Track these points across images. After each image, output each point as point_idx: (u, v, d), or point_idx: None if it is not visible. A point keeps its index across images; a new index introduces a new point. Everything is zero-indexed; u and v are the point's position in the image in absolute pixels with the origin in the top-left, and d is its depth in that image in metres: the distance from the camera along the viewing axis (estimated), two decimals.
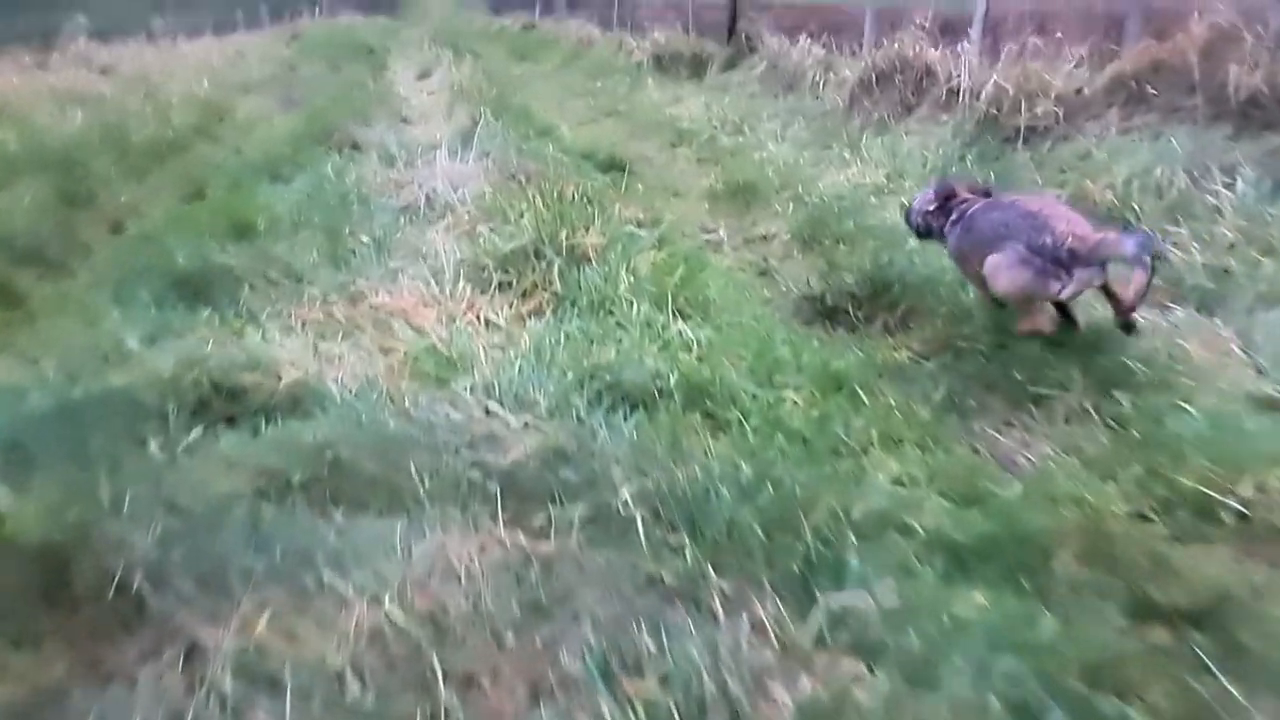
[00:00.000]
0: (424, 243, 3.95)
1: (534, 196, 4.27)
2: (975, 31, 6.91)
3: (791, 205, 5.07)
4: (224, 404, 2.61)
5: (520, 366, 2.77)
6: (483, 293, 3.39)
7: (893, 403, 2.85)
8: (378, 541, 1.96)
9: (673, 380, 2.68)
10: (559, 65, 14.90)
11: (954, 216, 3.20)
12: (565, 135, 7.41)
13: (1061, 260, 2.80)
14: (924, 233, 3.43)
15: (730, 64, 10.17)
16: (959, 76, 6.02)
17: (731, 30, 13.24)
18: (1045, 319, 3.05)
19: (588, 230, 3.73)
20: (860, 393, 2.86)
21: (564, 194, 4.42)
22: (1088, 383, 2.90)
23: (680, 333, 3.05)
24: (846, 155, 5.94)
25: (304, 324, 3.12)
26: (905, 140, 5.95)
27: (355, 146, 5.76)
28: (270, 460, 2.24)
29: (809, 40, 9.21)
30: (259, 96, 10.34)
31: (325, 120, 6.72)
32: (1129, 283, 2.77)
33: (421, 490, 2.15)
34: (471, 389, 2.65)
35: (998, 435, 2.77)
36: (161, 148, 6.38)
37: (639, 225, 4.65)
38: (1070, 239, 2.77)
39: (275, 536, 1.97)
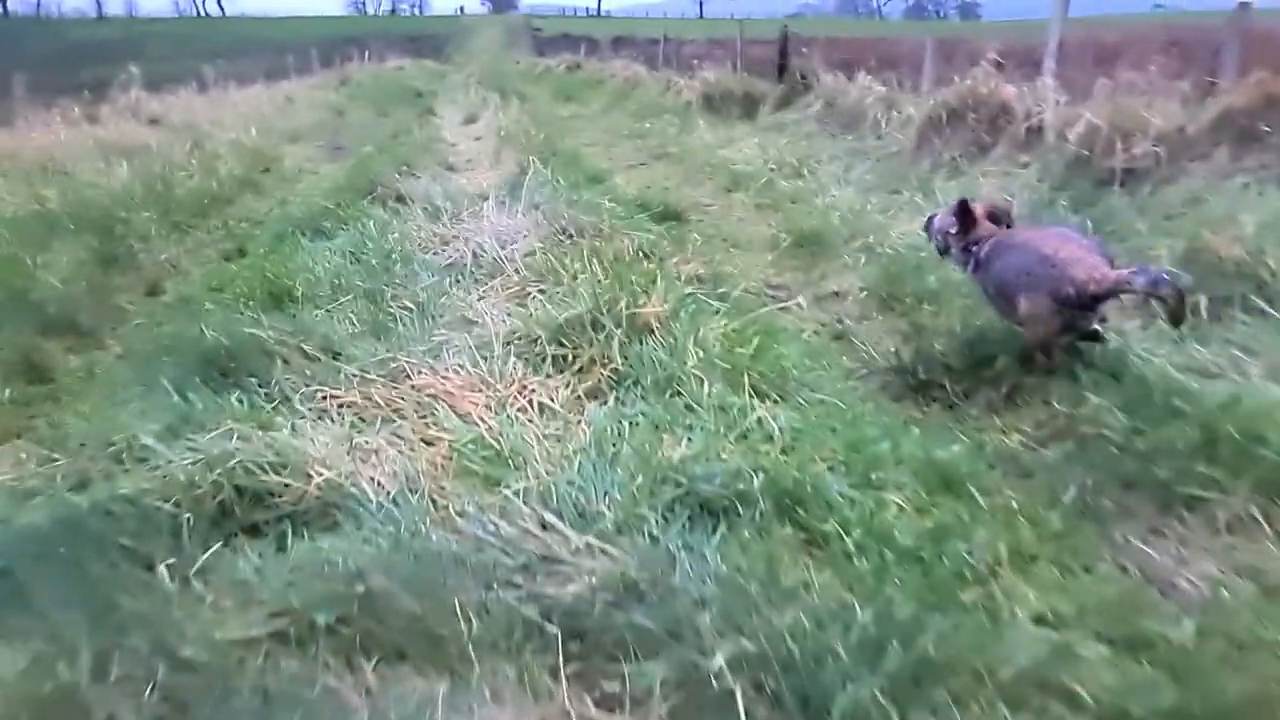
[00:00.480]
0: (471, 309, 3.64)
1: (588, 255, 3.95)
2: (1049, 64, 6.50)
3: (863, 257, 4.69)
4: (246, 510, 2.30)
5: (580, 465, 2.41)
6: (535, 370, 3.05)
7: (1015, 506, 2.42)
8: (414, 714, 1.60)
9: (757, 483, 2.30)
10: (606, 106, 14.81)
11: (975, 255, 3.28)
12: (617, 182, 7.16)
13: (1085, 304, 2.88)
14: (944, 250, 3.54)
15: (784, 102, 9.88)
16: (1039, 113, 5.60)
17: (782, 68, 12.99)
18: (1055, 355, 3.07)
19: (648, 295, 3.37)
20: (975, 494, 2.44)
21: (620, 252, 4.09)
22: (1248, 481, 2.44)
23: (760, 420, 2.66)
24: (919, 200, 5.54)
25: (340, 408, 2.81)
26: (982, 183, 5.53)
27: (400, 199, 5.54)
28: (293, 593, 1.90)
29: (867, 76, 8.88)
30: (306, 144, 10.35)
31: (370, 170, 6.55)
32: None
33: (467, 636, 1.79)
34: (525, 494, 2.29)
35: (1147, 549, 2.32)
36: (205, 201, 6.26)
37: (700, 282, 4.31)
38: (1091, 285, 2.82)
39: (292, 702, 1.63)
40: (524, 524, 2.17)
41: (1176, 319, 2.85)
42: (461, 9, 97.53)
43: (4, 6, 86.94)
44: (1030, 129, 5.60)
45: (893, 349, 3.52)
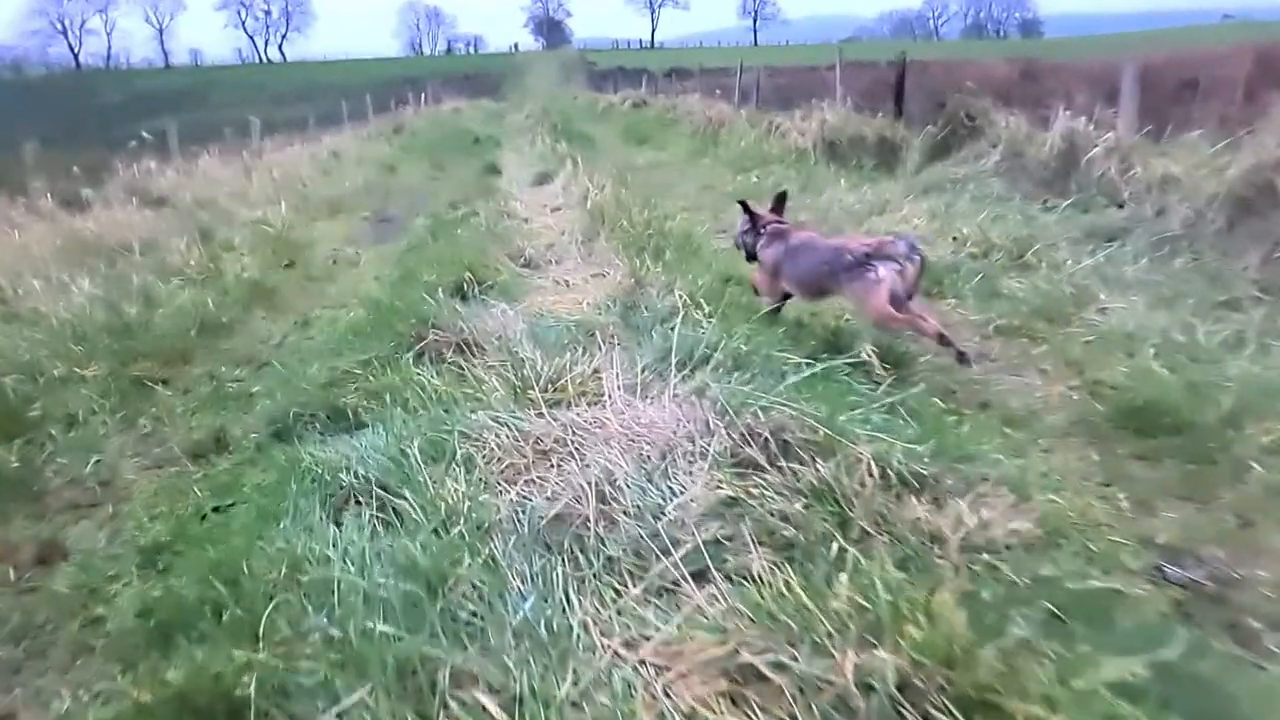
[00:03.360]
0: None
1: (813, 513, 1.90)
2: None
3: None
4: None
5: None
6: None
7: None
8: None
9: None
10: (691, 152, 12.82)
11: (763, 235, 4.22)
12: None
13: (865, 261, 3.54)
14: (751, 255, 4.37)
15: (940, 151, 7.72)
16: None
17: (899, 101, 10.90)
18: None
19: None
20: None
21: (867, 503, 2.04)
22: None
23: None
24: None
25: None
26: None
27: (464, 349, 3.55)
28: None
29: (1065, 111, 6.71)
30: (348, 217, 8.57)
31: (420, 281, 4.63)
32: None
33: None
34: None
35: None
36: (190, 333, 4.39)
37: (1007, 549, 2.21)
38: (861, 248, 3.59)
39: None
40: None
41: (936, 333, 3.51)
42: (515, 45, 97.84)
43: (76, 59, 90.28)
44: None
45: None
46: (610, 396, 2.98)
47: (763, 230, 4.20)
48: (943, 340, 3.48)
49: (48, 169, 7.80)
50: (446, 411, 2.95)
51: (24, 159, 8.14)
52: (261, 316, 5.03)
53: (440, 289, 4.59)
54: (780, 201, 4.38)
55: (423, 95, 31.39)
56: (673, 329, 3.62)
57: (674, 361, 3.24)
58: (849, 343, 3.66)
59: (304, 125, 17.72)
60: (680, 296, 4.13)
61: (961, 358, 3.48)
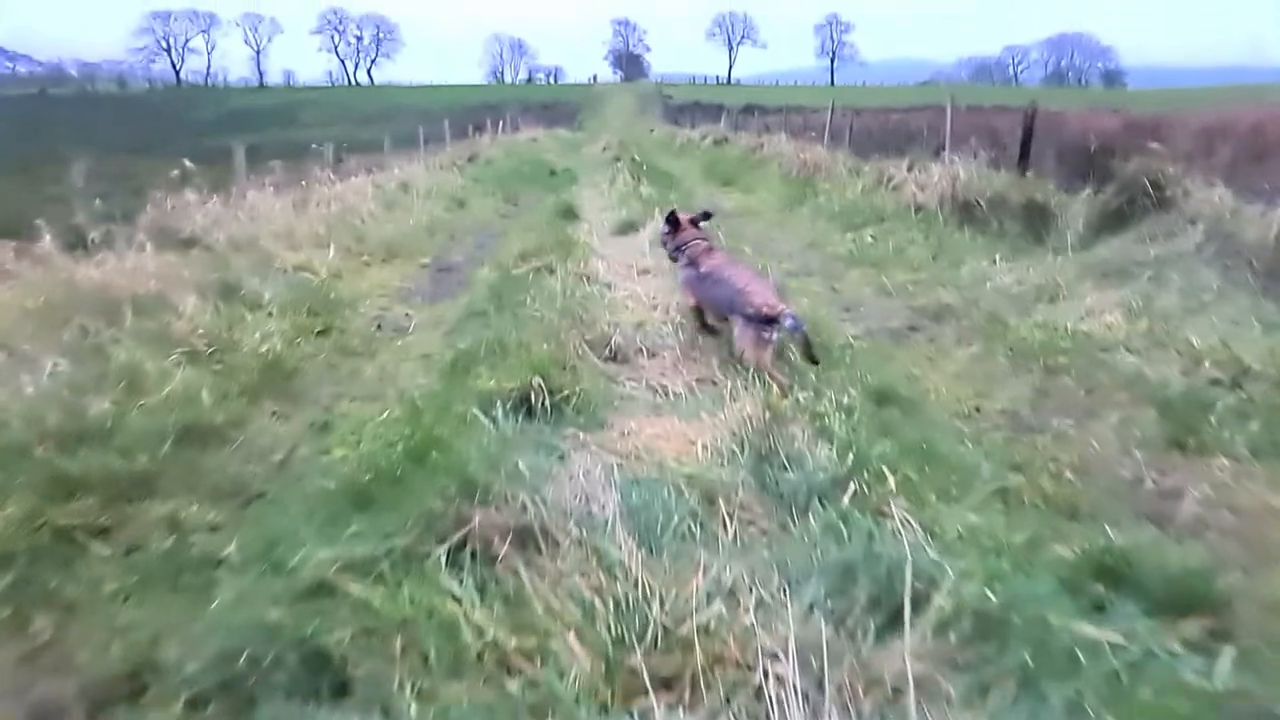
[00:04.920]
0: None
1: None
2: None
3: None
4: None
5: None
6: None
7: None
8: None
9: None
10: (785, 200, 11.55)
11: (685, 255, 4.57)
12: (926, 401, 3.83)
13: (766, 321, 3.84)
14: (674, 257, 4.72)
15: (1113, 223, 6.30)
16: None
17: (1025, 155, 9.48)
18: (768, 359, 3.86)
19: None
20: None
21: None
22: None
23: None
24: None
25: None
26: None
27: (528, 535, 2.33)
28: None
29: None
30: (405, 263, 7.56)
31: (472, 393, 3.48)
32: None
33: None
34: None
35: None
36: (160, 450, 3.31)
37: None
38: (765, 308, 3.84)
39: None
40: None
41: (808, 356, 3.90)
42: (594, 77, 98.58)
43: (177, 75, 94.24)
44: None
45: None
46: (768, 687, 1.73)
47: (682, 248, 4.61)
48: (782, 390, 3.68)
49: (90, 191, 6.99)
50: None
51: (65, 177, 7.43)
52: (272, 412, 3.94)
53: (499, 400, 3.43)
54: (704, 218, 4.83)
55: (501, 123, 30.91)
56: (843, 520, 2.38)
57: (862, 599, 1.99)
58: (1150, 580, 2.28)
59: (379, 149, 17.11)
60: (836, 451, 2.87)
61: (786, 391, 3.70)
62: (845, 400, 3.51)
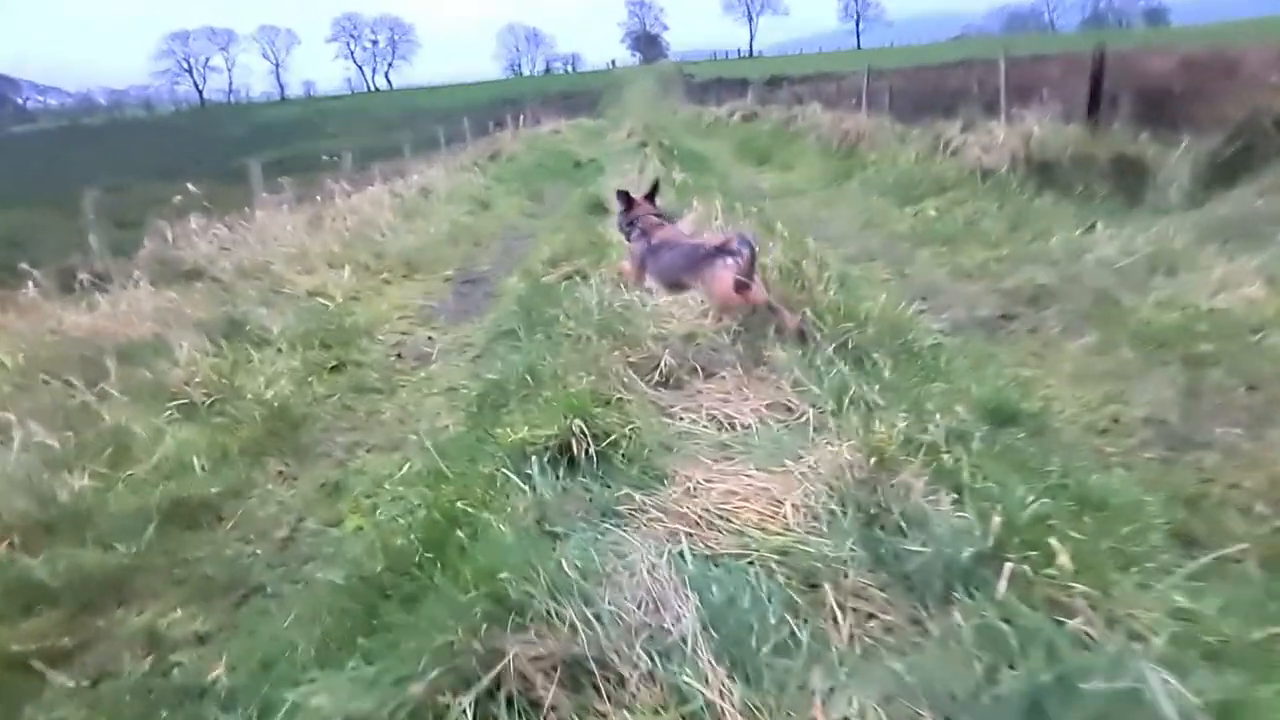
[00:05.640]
0: None
1: None
2: None
3: None
4: None
5: None
6: None
7: None
8: None
9: None
10: (830, 175, 10.76)
11: (637, 231, 4.47)
12: (1050, 414, 3.14)
13: (720, 253, 3.80)
14: (627, 234, 4.62)
15: (1228, 172, 5.47)
16: None
17: (1094, 105, 8.58)
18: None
19: None
20: None
21: None
22: None
23: None
24: None
25: None
26: None
27: (580, 670, 1.75)
28: None
29: None
30: (425, 279, 6.99)
31: (502, 447, 2.89)
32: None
33: None
34: None
35: None
36: (140, 542, 2.79)
37: None
38: (713, 244, 3.89)
39: None
40: None
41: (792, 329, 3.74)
42: (613, 62, 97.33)
43: (201, 95, 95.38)
44: None
45: None
46: None
47: (635, 222, 4.53)
48: (770, 308, 3.74)
49: (103, 223, 6.56)
50: None
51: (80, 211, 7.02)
52: (278, 472, 3.39)
53: (534, 456, 2.82)
54: (653, 191, 4.76)
55: (521, 117, 30.26)
56: (1006, 620, 1.74)
57: None
58: None
59: (400, 154, 16.65)
60: (975, 513, 2.20)
61: (802, 336, 3.66)
62: (955, 423, 2.84)
